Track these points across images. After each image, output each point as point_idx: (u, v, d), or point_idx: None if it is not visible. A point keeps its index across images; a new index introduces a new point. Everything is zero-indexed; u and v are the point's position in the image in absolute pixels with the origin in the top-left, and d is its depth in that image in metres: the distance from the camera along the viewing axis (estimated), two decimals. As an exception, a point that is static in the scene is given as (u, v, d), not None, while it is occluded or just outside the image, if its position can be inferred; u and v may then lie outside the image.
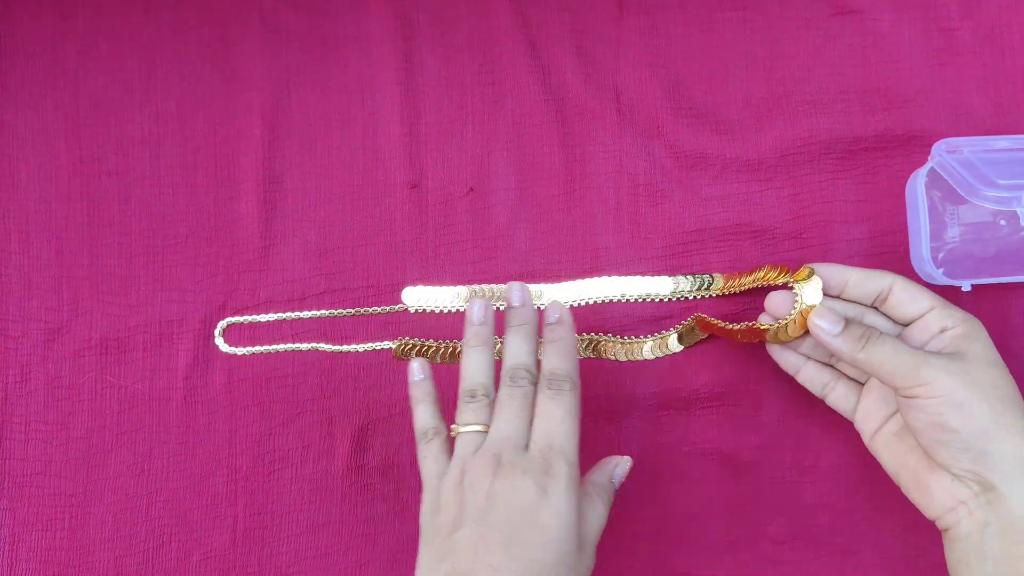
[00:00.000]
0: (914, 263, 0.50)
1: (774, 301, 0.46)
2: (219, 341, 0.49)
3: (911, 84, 0.51)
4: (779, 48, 0.52)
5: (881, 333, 0.42)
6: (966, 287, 0.48)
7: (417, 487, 0.49)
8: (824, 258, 0.50)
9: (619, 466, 0.43)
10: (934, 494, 0.40)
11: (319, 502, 0.49)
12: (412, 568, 0.38)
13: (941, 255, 0.49)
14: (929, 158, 0.48)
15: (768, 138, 0.50)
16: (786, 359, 0.47)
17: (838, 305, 0.45)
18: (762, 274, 0.47)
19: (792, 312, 0.45)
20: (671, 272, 0.50)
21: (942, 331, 0.42)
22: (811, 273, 0.45)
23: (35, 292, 0.49)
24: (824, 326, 0.43)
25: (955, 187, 0.45)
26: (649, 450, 0.49)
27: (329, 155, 0.50)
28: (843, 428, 0.47)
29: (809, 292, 0.45)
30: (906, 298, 0.43)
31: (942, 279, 0.48)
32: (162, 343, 0.49)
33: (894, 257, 0.50)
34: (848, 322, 0.43)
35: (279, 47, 0.51)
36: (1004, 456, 0.39)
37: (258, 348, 0.49)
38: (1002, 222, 0.49)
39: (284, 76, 0.51)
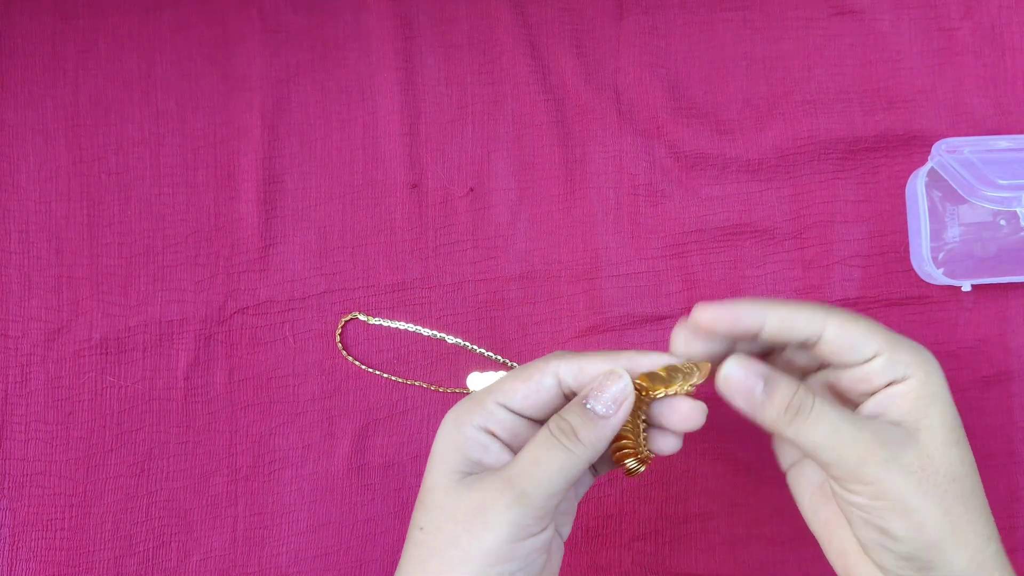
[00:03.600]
0: (914, 263, 0.50)
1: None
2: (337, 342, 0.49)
3: (911, 84, 0.51)
4: (779, 48, 0.52)
5: (815, 400, 0.32)
6: (966, 287, 0.48)
7: (417, 487, 0.49)
8: (825, 257, 0.50)
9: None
10: None
11: (319, 502, 0.49)
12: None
13: (941, 255, 0.49)
14: (929, 158, 0.48)
15: (768, 138, 0.50)
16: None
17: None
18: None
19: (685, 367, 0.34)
20: (671, 271, 0.50)
21: (890, 384, 0.33)
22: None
23: (35, 292, 0.49)
24: (739, 384, 0.33)
25: (955, 187, 0.45)
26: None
27: (329, 155, 0.50)
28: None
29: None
30: (844, 344, 0.33)
31: (942, 279, 0.48)
32: (162, 343, 0.49)
33: (894, 257, 0.50)
34: (769, 378, 0.33)
35: (279, 47, 0.51)
36: (953, 570, 0.32)
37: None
38: (1002, 222, 0.49)
39: (284, 76, 0.51)
